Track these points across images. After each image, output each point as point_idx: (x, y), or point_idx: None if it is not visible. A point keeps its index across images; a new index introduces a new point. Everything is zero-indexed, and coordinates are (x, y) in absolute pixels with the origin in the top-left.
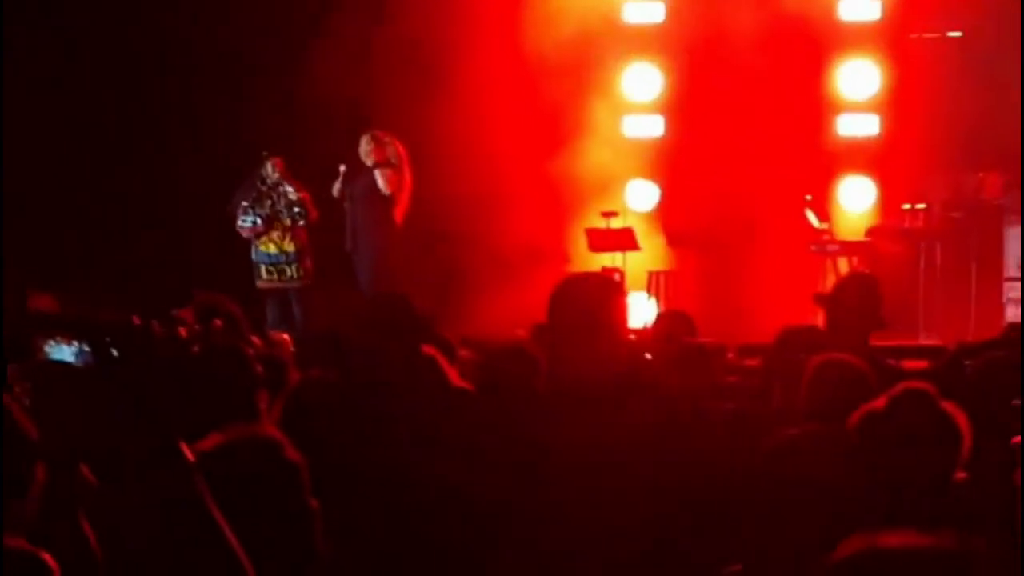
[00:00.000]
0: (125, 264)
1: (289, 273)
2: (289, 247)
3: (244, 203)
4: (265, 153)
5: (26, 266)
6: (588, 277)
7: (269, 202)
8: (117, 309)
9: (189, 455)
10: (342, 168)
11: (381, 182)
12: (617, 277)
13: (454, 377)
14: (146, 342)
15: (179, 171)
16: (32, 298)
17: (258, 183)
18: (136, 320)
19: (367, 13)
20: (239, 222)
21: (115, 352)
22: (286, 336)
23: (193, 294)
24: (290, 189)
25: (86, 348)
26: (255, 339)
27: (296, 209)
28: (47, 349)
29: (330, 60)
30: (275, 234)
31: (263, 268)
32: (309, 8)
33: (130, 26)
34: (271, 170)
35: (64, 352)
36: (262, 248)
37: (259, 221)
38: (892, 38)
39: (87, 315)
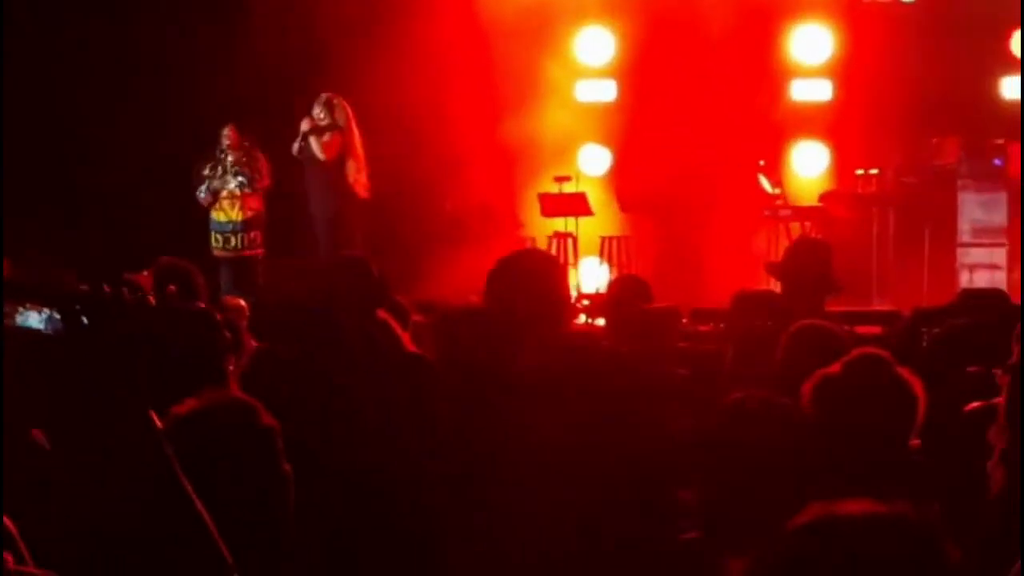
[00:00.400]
0: (84, 229)
1: (234, 243)
2: (237, 216)
3: (203, 172)
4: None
5: None
6: (524, 255)
7: (221, 170)
8: (73, 274)
9: (158, 422)
10: (303, 127)
11: (315, 147)
12: (570, 242)
13: (407, 342)
14: (116, 310)
15: (135, 139)
16: None
17: (217, 152)
18: (106, 288)
19: None
20: (197, 192)
21: (85, 320)
22: (242, 302)
23: (156, 260)
24: (235, 157)
25: (56, 315)
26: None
27: (240, 178)
28: (16, 316)
29: (280, 21)
30: (225, 203)
31: (214, 236)
32: None
33: None
34: (224, 138)
35: (33, 319)
36: (214, 216)
37: (206, 192)
38: (845, 3)
39: (56, 282)
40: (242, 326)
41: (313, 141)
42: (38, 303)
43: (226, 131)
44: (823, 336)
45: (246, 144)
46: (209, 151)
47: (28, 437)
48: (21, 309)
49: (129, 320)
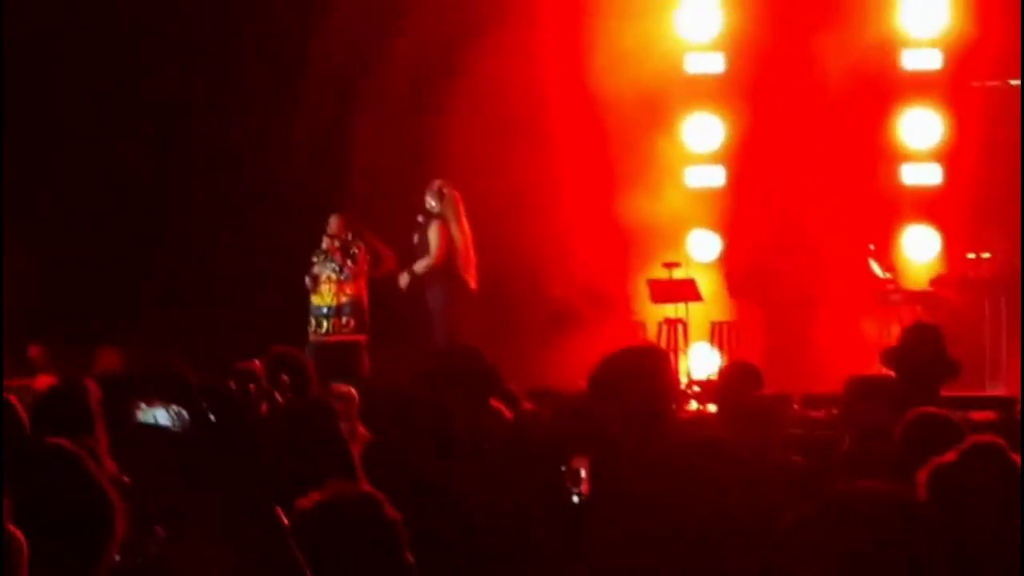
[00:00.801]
0: (193, 316)
1: (326, 327)
2: (332, 300)
3: (313, 259)
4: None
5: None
6: (627, 353)
7: (323, 256)
8: (186, 362)
9: (284, 519)
10: (419, 219)
11: (432, 236)
12: (680, 328)
13: (518, 430)
14: (241, 405)
15: (246, 227)
16: (99, 353)
17: (323, 239)
18: (231, 383)
19: (428, 61)
20: (309, 273)
21: (211, 416)
22: (352, 390)
23: (268, 349)
24: (334, 244)
25: (183, 412)
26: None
27: (334, 264)
28: (140, 412)
29: (389, 108)
30: (324, 287)
31: (311, 320)
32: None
33: (190, 72)
34: (329, 226)
35: (160, 415)
36: (313, 301)
37: (309, 277)
38: (953, 87)
39: (182, 377)
40: (353, 414)
41: (431, 229)
42: (165, 399)
43: (332, 219)
44: (939, 424)
45: (349, 233)
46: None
47: (155, 530)
48: (148, 405)
49: (253, 415)
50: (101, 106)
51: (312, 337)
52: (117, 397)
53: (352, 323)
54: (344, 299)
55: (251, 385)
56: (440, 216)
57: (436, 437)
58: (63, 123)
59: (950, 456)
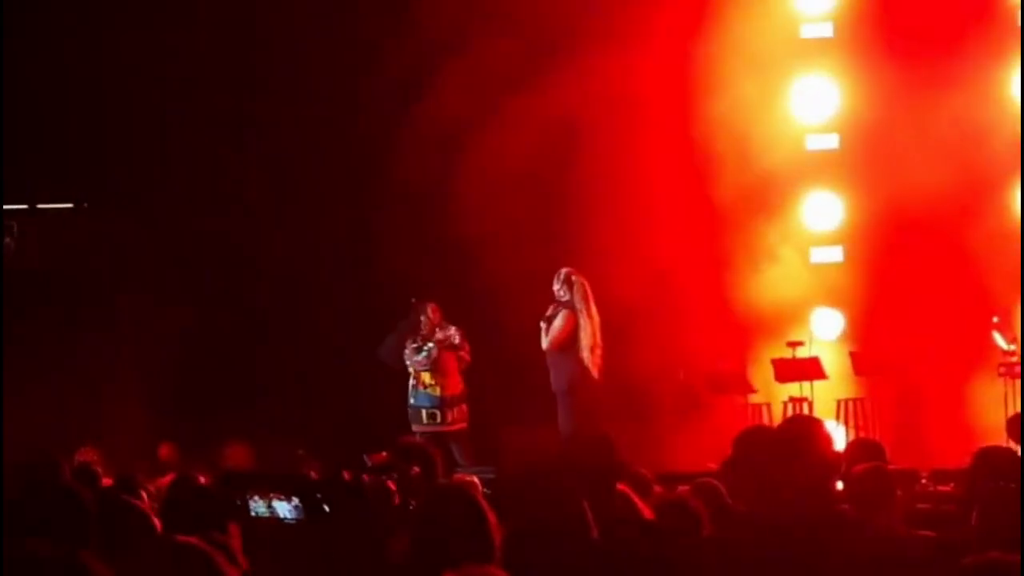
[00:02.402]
0: (317, 409)
1: (439, 418)
2: (440, 392)
3: (411, 343)
4: (414, 300)
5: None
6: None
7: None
8: (315, 462)
9: None
10: (549, 311)
11: (557, 322)
12: (805, 407)
13: (647, 513)
14: (355, 495)
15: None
16: (229, 449)
17: (420, 327)
18: (346, 474)
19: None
20: (414, 357)
21: (327, 507)
22: (475, 478)
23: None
24: (443, 335)
25: (299, 504)
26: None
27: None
28: (256, 505)
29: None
30: (427, 377)
31: (423, 412)
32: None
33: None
34: (430, 313)
35: (281, 508)
36: (423, 391)
37: (431, 353)
38: None
39: (299, 472)
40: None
41: (559, 317)
42: (283, 493)
43: (428, 308)
44: None
45: (444, 322)
46: (405, 325)
47: None
48: (268, 499)
49: (368, 503)
50: (235, 203)
51: (421, 428)
52: (238, 491)
53: (460, 414)
54: (450, 390)
55: (365, 476)
56: (570, 304)
57: (568, 521)
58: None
59: None
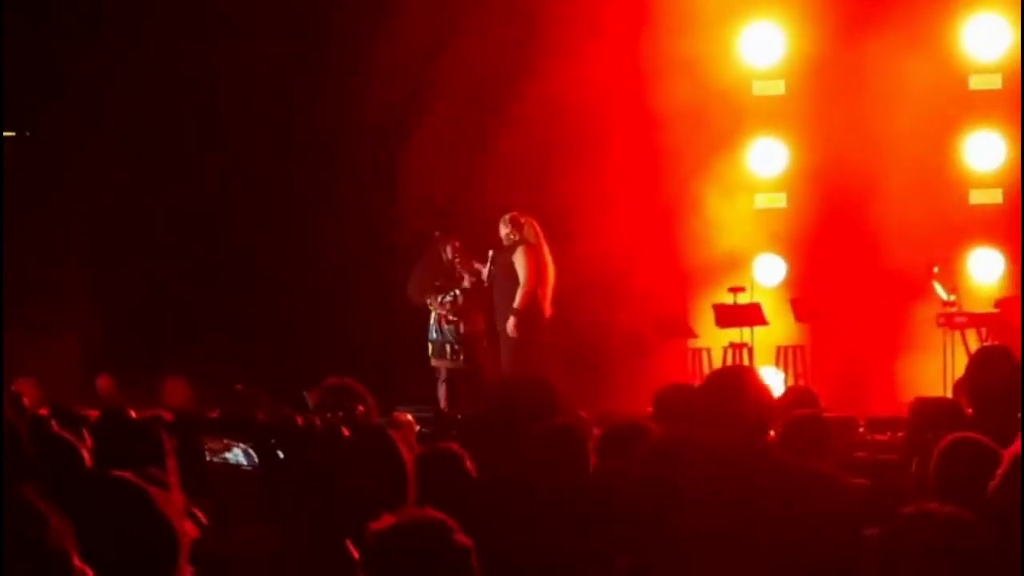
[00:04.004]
0: (261, 344)
1: (448, 352)
2: (464, 328)
3: (437, 283)
4: (437, 233)
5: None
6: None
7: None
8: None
9: (354, 553)
10: (490, 252)
11: (520, 262)
12: (745, 353)
13: (587, 456)
14: (308, 441)
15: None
16: (168, 384)
17: (444, 263)
18: (299, 420)
19: (483, 82)
20: (439, 299)
21: (280, 453)
22: (410, 416)
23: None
24: (470, 280)
25: (253, 451)
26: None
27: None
28: (221, 453)
29: (447, 142)
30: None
31: (447, 348)
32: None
33: (258, 104)
34: (450, 252)
35: (236, 455)
36: (447, 326)
37: (458, 300)
38: (1015, 108)
39: (251, 416)
40: (412, 441)
41: (518, 255)
42: (238, 438)
43: (450, 245)
44: (974, 449)
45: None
46: (426, 262)
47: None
48: (224, 445)
49: (320, 450)
50: (169, 137)
51: (437, 363)
52: (189, 434)
53: (476, 353)
54: (473, 327)
55: (316, 419)
56: (525, 242)
57: (505, 465)
58: (130, 152)
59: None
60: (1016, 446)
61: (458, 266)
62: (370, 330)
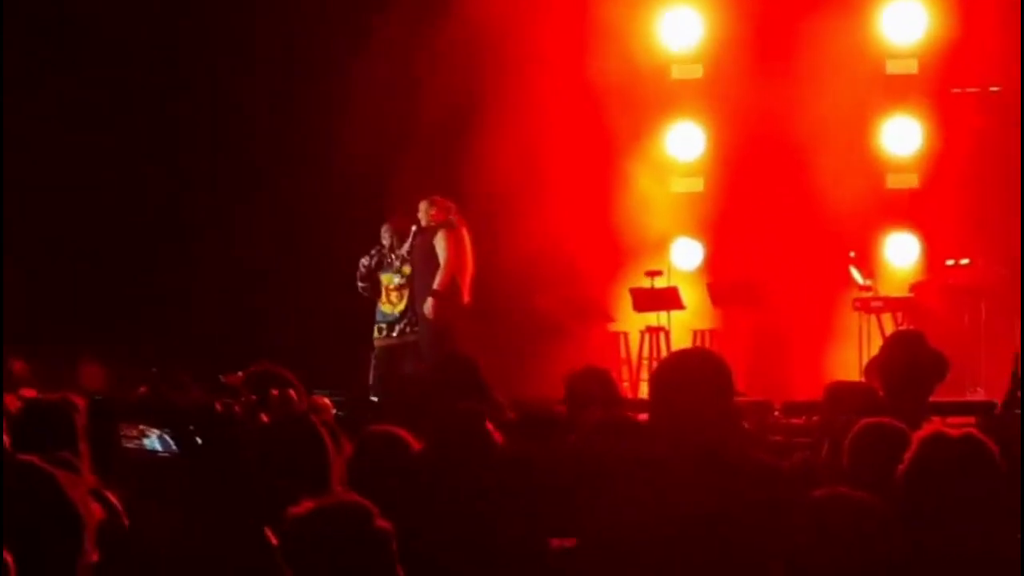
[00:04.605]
0: (181, 327)
1: (399, 330)
2: (400, 307)
3: (363, 263)
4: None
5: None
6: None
7: (387, 262)
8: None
9: (273, 539)
10: (413, 228)
11: (441, 244)
12: (662, 337)
13: (499, 439)
14: (228, 427)
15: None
16: (83, 368)
17: (381, 246)
18: (218, 406)
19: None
20: (384, 282)
21: (198, 440)
22: (327, 400)
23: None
24: (401, 250)
25: (170, 437)
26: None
27: (399, 271)
28: (136, 439)
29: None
30: (393, 295)
31: (381, 326)
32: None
33: (183, 87)
34: (384, 232)
35: (152, 441)
36: (383, 308)
37: (365, 285)
38: (933, 94)
39: (170, 401)
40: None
41: (439, 237)
42: (155, 424)
43: (384, 226)
44: (886, 433)
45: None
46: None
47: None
48: (140, 431)
49: (239, 437)
50: (87, 112)
51: (378, 342)
52: (104, 419)
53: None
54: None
55: (236, 407)
56: (446, 226)
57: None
58: (47, 133)
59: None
60: (925, 430)
61: (396, 249)
62: (289, 313)
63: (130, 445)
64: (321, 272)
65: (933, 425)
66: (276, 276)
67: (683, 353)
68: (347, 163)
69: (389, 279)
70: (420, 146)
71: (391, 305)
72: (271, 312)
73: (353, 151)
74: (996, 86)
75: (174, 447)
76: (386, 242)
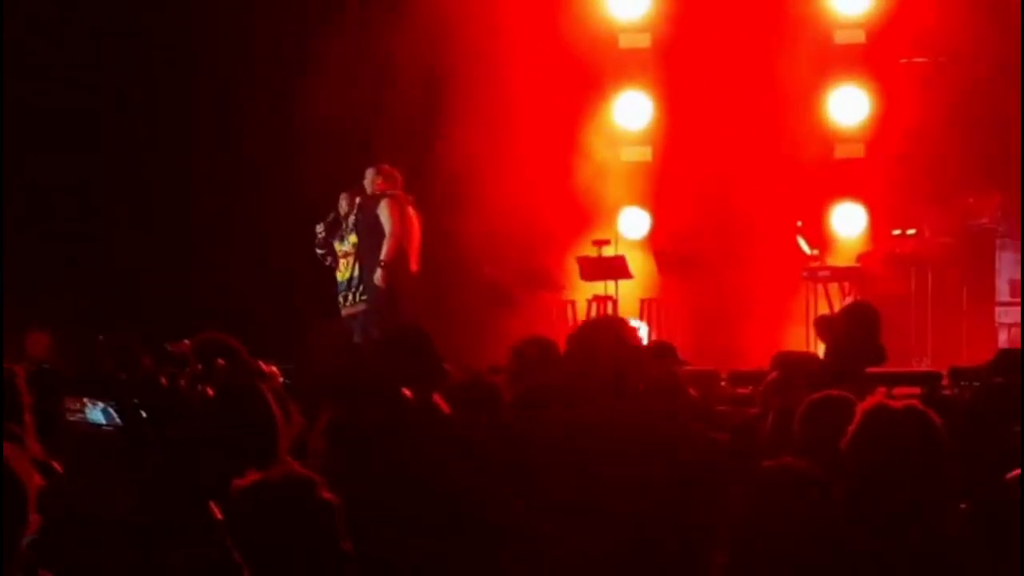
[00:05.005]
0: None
1: (351, 299)
2: (347, 274)
3: (318, 229)
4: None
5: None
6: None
7: (339, 230)
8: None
9: (218, 514)
10: (356, 200)
11: (384, 214)
12: (610, 306)
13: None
14: (172, 400)
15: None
16: (29, 337)
17: (336, 212)
18: (163, 380)
19: (356, 39)
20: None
21: (143, 412)
22: (275, 368)
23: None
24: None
25: (114, 410)
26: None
27: (350, 239)
28: (80, 412)
29: (328, 90)
30: (342, 262)
31: (339, 296)
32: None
33: (134, 59)
34: (341, 201)
35: (95, 414)
36: (339, 277)
37: (323, 252)
38: (880, 64)
39: (112, 374)
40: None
41: (383, 206)
42: (99, 397)
43: (343, 196)
44: (838, 406)
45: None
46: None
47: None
48: (83, 404)
49: (183, 410)
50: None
51: (344, 311)
52: (48, 391)
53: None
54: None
55: (182, 379)
56: (389, 195)
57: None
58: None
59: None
60: (868, 401)
61: (348, 217)
62: (238, 283)
63: (73, 418)
64: (280, 240)
65: (876, 396)
66: (231, 242)
67: (589, 325)
68: (312, 131)
69: (339, 247)
70: (386, 119)
71: (341, 273)
72: (222, 277)
73: (317, 120)
74: (942, 56)
75: (117, 420)
76: (343, 211)
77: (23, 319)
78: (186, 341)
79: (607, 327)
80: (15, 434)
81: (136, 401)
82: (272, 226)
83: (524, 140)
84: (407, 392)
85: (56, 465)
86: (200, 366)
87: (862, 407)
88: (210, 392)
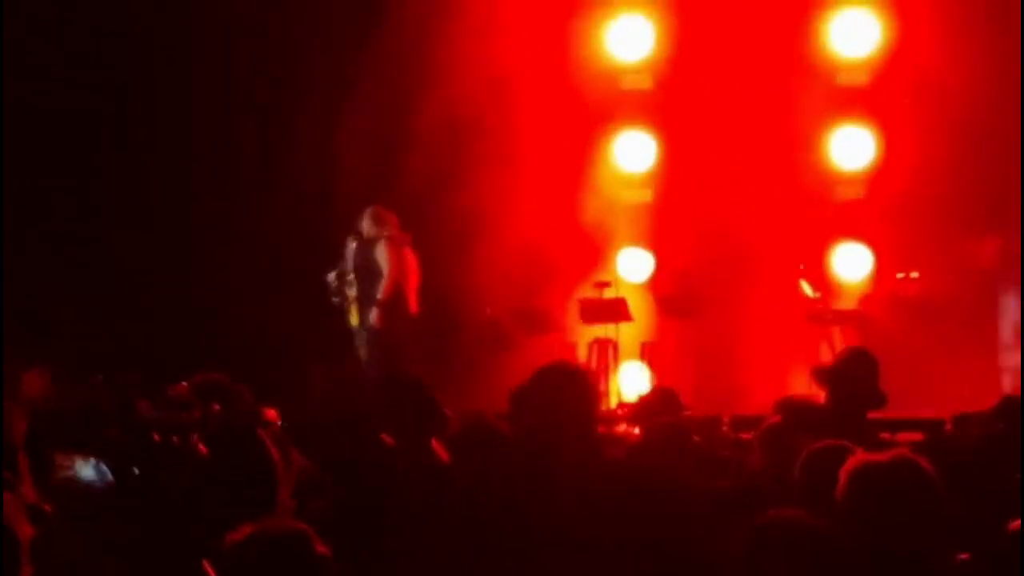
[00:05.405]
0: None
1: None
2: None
3: (331, 281)
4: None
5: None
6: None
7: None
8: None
9: (211, 572)
10: (354, 243)
11: (381, 257)
12: (611, 347)
13: (444, 456)
14: (165, 458)
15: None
16: (25, 379)
17: (343, 260)
18: (156, 437)
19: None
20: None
21: (136, 470)
22: (273, 413)
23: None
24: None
25: (105, 468)
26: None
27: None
28: (70, 469)
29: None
30: (353, 307)
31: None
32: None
33: (141, 99)
34: (350, 245)
35: (86, 471)
36: (352, 322)
37: (339, 300)
38: (882, 105)
39: (106, 430)
40: (280, 436)
41: (380, 248)
42: (90, 454)
43: (350, 239)
44: (838, 456)
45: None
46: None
47: None
48: (74, 460)
49: (177, 467)
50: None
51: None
52: (42, 437)
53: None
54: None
55: (175, 437)
56: (386, 238)
57: (376, 471)
58: None
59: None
60: (849, 462)
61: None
62: (240, 324)
63: (64, 475)
64: (281, 284)
65: (856, 456)
66: (233, 283)
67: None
68: (328, 173)
69: (349, 292)
70: (391, 165)
71: (353, 318)
72: (225, 318)
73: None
74: (945, 98)
75: (110, 478)
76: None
77: (19, 356)
78: (183, 383)
79: (563, 382)
80: (8, 481)
81: (129, 458)
82: (276, 269)
83: (528, 182)
84: (386, 438)
85: (47, 508)
86: (198, 412)
87: (844, 469)
88: (203, 449)
